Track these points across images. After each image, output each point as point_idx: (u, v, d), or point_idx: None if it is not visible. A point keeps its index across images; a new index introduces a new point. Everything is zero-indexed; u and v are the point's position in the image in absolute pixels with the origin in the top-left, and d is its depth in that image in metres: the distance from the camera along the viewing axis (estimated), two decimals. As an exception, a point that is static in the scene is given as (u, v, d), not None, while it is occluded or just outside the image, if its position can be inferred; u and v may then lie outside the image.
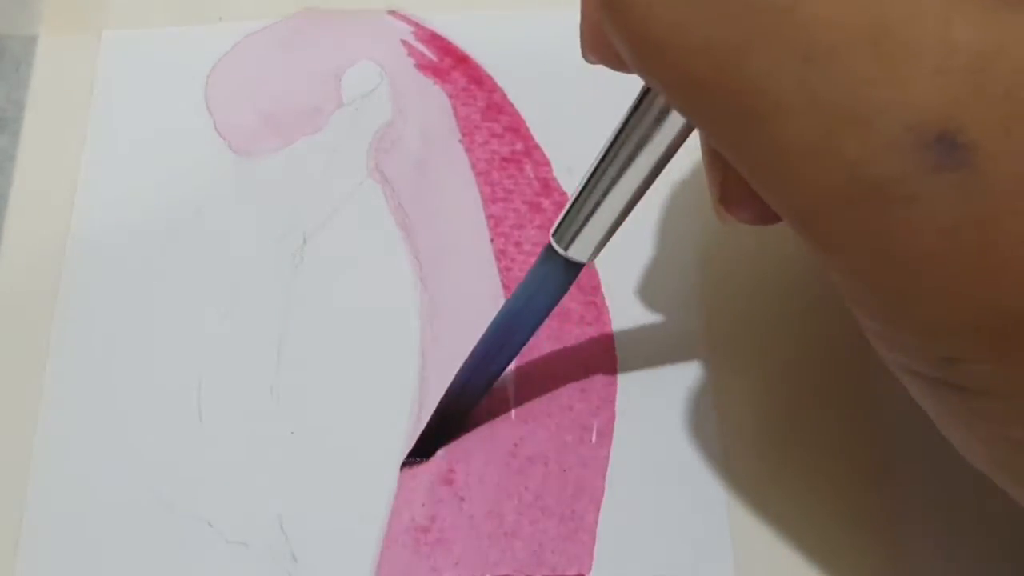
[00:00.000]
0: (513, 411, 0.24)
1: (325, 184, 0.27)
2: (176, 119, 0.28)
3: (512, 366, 0.24)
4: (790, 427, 0.24)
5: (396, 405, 0.24)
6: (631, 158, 0.18)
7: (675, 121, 0.17)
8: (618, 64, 0.18)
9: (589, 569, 0.22)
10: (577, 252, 0.20)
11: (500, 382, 0.24)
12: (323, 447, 0.24)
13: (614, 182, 0.19)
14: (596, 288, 0.25)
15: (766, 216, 0.18)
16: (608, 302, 0.25)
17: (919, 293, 0.15)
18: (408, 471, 0.23)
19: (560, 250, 0.20)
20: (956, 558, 0.22)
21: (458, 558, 0.23)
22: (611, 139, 0.18)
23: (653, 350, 0.25)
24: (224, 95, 0.28)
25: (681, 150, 0.18)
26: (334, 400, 0.24)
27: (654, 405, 0.24)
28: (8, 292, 0.26)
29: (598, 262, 0.26)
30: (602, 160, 0.19)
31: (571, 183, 0.27)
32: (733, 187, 0.19)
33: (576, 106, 0.28)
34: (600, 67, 0.28)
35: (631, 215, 0.19)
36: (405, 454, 0.23)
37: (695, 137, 0.18)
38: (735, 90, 0.14)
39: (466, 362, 0.23)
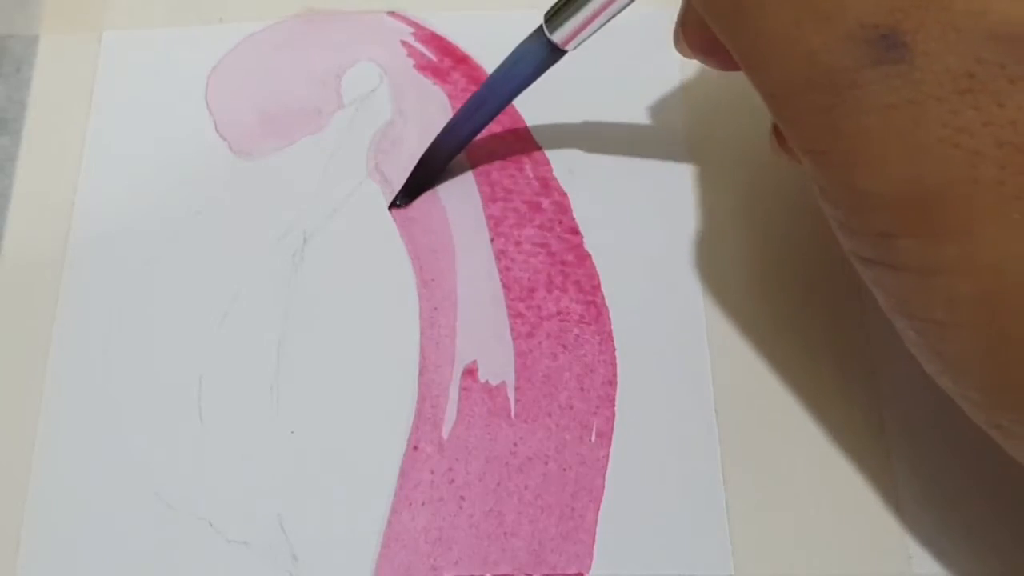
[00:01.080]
0: (513, 411, 0.24)
1: (325, 184, 0.27)
2: (176, 119, 0.28)
3: (512, 366, 0.24)
4: (790, 427, 0.24)
5: (396, 405, 0.24)
6: None
7: None
8: None
9: (589, 568, 0.22)
10: (560, 38, 0.23)
11: (500, 381, 0.24)
12: (323, 447, 0.24)
13: None
14: (596, 288, 0.25)
15: (712, 56, 0.22)
16: (608, 302, 0.25)
17: (859, 165, 0.17)
18: (409, 468, 0.23)
19: (547, 33, 0.23)
20: (964, 560, 0.22)
21: (458, 558, 0.23)
22: None
23: (653, 350, 0.25)
24: (224, 95, 0.28)
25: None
26: (334, 400, 0.24)
27: (654, 405, 0.24)
28: (8, 292, 0.26)
29: (598, 261, 0.26)
30: None
31: (571, 183, 0.27)
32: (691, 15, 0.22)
33: (576, 106, 0.28)
34: (599, 67, 0.28)
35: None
36: (405, 445, 0.24)
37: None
38: None
39: (448, 121, 0.26)
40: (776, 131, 0.22)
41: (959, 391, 0.18)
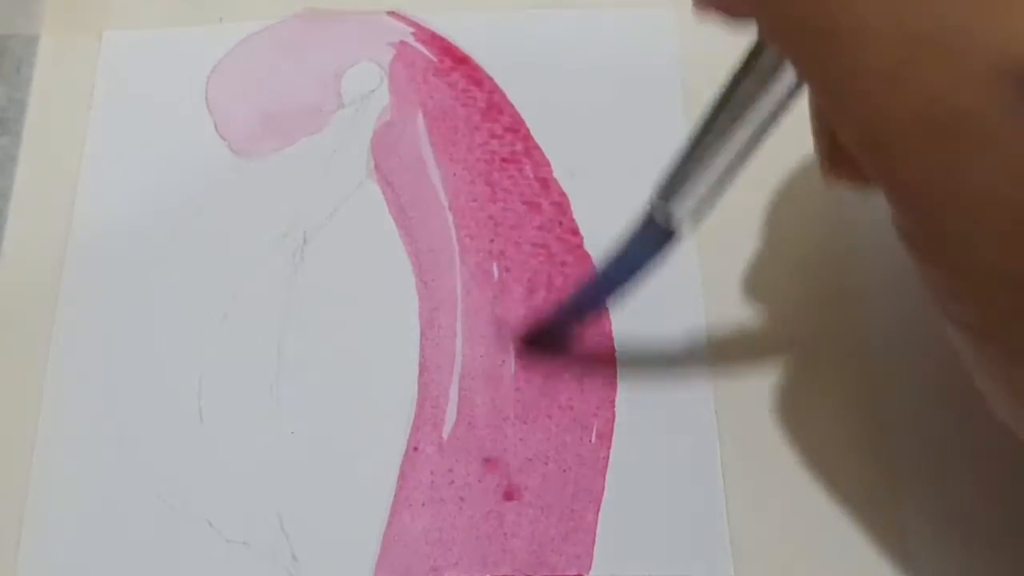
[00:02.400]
0: (513, 411, 0.24)
1: (325, 184, 0.27)
2: (176, 119, 0.28)
3: (512, 366, 0.24)
4: (789, 427, 0.24)
5: (396, 405, 0.24)
6: (730, 127, 0.18)
7: (781, 85, 0.17)
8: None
9: (589, 569, 0.22)
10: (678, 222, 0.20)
11: (500, 381, 0.24)
12: (323, 447, 0.24)
13: (717, 149, 0.19)
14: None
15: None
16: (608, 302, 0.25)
17: (982, 237, 0.14)
18: (409, 469, 0.23)
19: (660, 220, 0.20)
20: (964, 560, 0.22)
21: (458, 558, 0.23)
22: (713, 107, 0.19)
23: (653, 350, 0.25)
24: (224, 96, 0.28)
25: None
26: (334, 400, 0.24)
27: (654, 405, 0.24)
28: (8, 292, 0.26)
29: (598, 262, 0.26)
30: (706, 127, 0.19)
31: (571, 183, 0.27)
32: (839, 149, 0.19)
33: (576, 106, 0.28)
34: (599, 67, 0.28)
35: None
36: (405, 446, 0.24)
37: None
38: (819, 8, 0.15)
39: (564, 302, 0.24)
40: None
41: None
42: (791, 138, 0.23)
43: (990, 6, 0.13)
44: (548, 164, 0.27)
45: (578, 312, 0.24)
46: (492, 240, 0.26)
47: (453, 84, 0.28)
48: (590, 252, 0.26)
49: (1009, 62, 0.13)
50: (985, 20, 0.13)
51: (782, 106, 0.18)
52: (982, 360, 0.16)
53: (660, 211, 0.20)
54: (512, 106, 0.28)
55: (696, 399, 0.24)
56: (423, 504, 0.23)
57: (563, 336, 0.25)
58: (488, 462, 0.24)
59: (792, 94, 0.18)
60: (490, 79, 0.28)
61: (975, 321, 0.16)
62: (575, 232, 0.26)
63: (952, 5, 0.14)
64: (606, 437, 0.24)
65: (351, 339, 0.25)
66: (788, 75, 0.17)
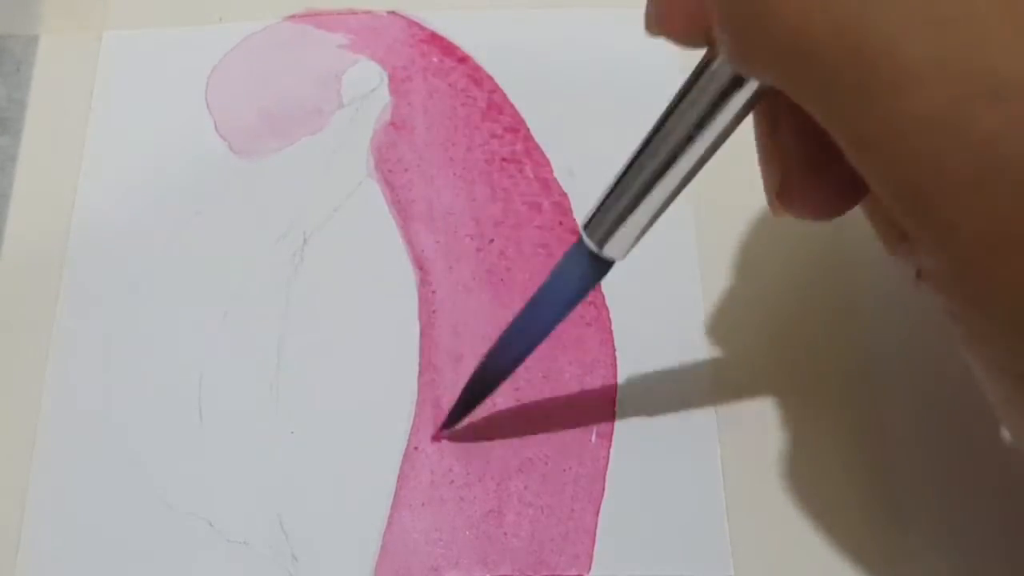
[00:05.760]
0: (513, 411, 0.24)
1: (325, 184, 0.27)
2: (176, 119, 0.28)
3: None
4: (789, 428, 0.24)
5: (396, 405, 0.24)
6: (675, 153, 0.17)
7: (728, 111, 0.17)
8: (686, 36, 0.17)
9: (588, 569, 0.22)
10: (612, 250, 0.19)
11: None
12: (323, 447, 0.24)
13: (656, 177, 0.18)
14: (596, 289, 0.25)
15: (824, 210, 0.18)
16: (608, 302, 0.25)
17: None
18: (409, 468, 0.23)
19: (593, 247, 0.19)
20: (964, 561, 0.22)
21: (458, 558, 0.23)
22: (651, 132, 0.18)
23: (653, 350, 0.25)
24: (224, 96, 0.28)
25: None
26: (334, 400, 0.24)
27: (654, 405, 0.24)
28: (8, 292, 0.26)
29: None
30: (641, 153, 0.18)
31: (571, 183, 0.27)
32: (795, 181, 0.18)
33: (576, 106, 0.28)
34: (599, 67, 0.28)
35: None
36: (405, 446, 0.24)
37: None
38: (854, 55, 0.13)
39: (490, 349, 0.22)
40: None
41: None
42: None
43: None
44: (548, 164, 0.27)
45: (500, 365, 0.22)
46: (492, 240, 0.26)
47: (453, 84, 0.28)
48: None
49: None
50: None
51: (727, 134, 0.17)
52: (1014, 398, 0.16)
53: (597, 242, 0.19)
54: (512, 106, 0.28)
55: (696, 399, 0.24)
56: (423, 504, 0.23)
57: (484, 395, 0.23)
58: (488, 462, 0.24)
59: (740, 120, 0.17)
60: (490, 79, 0.28)
61: (1010, 363, 0.15)
62: (575, 232, 0.26)
63: (998, 43, 0.13)
64: (606, 437, 0.24)
65: (351, 339, 0.25)
66: (737, 102, 0.17)
